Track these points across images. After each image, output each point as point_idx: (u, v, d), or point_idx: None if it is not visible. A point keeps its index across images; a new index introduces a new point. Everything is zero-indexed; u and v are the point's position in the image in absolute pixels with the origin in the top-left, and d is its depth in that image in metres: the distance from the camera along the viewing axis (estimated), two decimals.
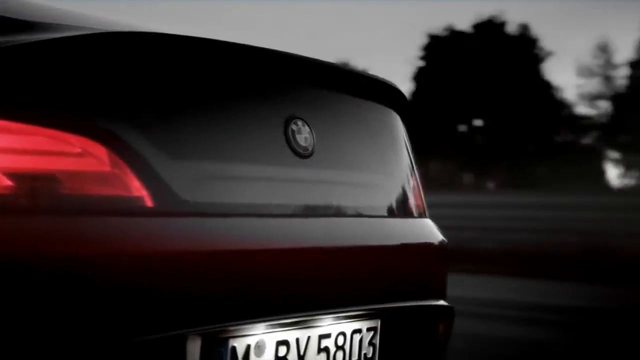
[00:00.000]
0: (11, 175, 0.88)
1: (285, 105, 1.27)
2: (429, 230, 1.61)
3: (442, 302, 1.55)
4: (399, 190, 1.55)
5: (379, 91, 1.54)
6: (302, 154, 1.25)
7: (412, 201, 1.58)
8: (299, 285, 1.18)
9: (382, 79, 1.54)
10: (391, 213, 1.50)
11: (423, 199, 1.66)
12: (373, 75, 1.53)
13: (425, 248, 1.57)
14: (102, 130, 0.98)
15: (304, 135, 1.25)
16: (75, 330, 0.89)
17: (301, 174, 1.27)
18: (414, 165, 1.65)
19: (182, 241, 1.02)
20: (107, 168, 0.97)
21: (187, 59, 1.15)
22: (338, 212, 1.33)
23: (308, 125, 1.27)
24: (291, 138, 1.23)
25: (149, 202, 1.00)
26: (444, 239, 1.64)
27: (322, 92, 1.39)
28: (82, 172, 0.95)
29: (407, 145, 1.65)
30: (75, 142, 0.95)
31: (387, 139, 1.56)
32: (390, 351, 1.41)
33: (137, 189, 1.00)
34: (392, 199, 1.53)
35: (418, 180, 1.65)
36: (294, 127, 1.24)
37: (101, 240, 0.93)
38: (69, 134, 0.95)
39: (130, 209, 0.99)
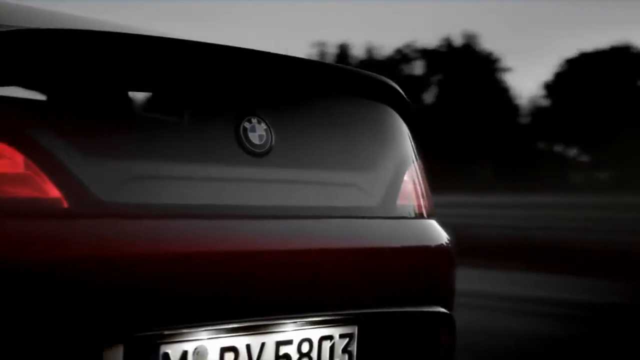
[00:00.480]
0: None
1: (240, 102, 1.20)
2: (423, 232, 1.47)
3: (437, 309, 1.41)
4: (382, 189, 1.40)
5: (366, 87, 1.44)
6: (256, 152, 1.17)
7: (402, 200, 1.44)
8: (240, 289, 1.10)
9: (368, 73, 1.45)
10: (369, 212, 1.36)
11: (424, 198, 1.51)
12: (359, 70, 1.47)
13: (415, 250, 1.42)
14: (15, 132, 0.94)
15: (258, 133, 1.18)
16: None
17: (254, 173, 1.19)
18: (414, 163, 1.51)
19: (99, 243, 0.97)
20: (20, 170, 0.94)
21: (111, 55, 1.09)
22: (294, 212, 1.24)
23: (265, 123, 1.19)
24: (242, 136, 1.16)
25: (64, 204, 0.96)
26: (446, 242, 1.49)
27: (290, 90, 1.33)
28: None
29: (403, 141, 1.51)
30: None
31: (372, 135, 1.45)
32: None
33: (53, 190, 0.96)
34: (372, 198, 1.38)
35: (419, 178, 1.50)
36: (246, 124, 1.16)
37: (13, 242, 0.90)
38: None
39: (45, 210, 0.96)
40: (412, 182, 1.47)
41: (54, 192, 0.95)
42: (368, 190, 1.38)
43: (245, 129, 1.16)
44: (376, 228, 1.37)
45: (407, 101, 1.51)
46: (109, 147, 1.03)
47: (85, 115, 1.04)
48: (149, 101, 1.16)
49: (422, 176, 1.52)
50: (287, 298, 1.16)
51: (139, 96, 1.15)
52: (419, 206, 1.49)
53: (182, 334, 1.02)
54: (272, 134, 1.20)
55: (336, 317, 1.24)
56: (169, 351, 1.01)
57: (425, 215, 1.51)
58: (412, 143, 1.53)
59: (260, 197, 1.20)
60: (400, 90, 1.46)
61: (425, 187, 1.53)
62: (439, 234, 1.49)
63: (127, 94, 1.13)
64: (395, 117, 1.48)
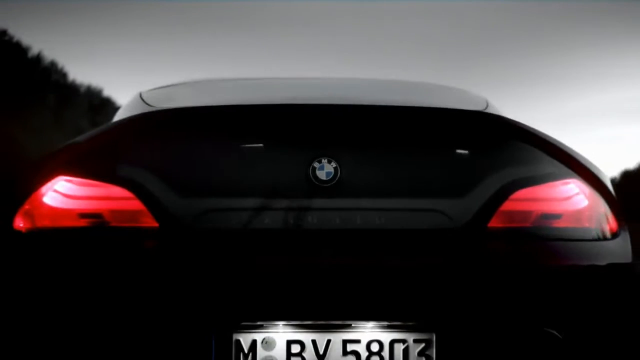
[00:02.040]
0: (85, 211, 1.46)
1: (312, 146, 1.50)
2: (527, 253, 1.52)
3: (547, 329, 1.44)
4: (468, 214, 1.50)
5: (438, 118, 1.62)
6: (322, 187, 1.45)
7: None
8: (313, 290, 1.38)
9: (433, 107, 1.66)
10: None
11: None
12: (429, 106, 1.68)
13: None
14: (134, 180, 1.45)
15: (326, 170, 1.44)
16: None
17: (323, 204, 1.46)
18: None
19: (182, 256, 1.43)
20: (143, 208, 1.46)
21: (218, 124, 1.58)
22: (363, 225, 1.46)
23: (335, 162, 1.45)
24: (310, 173, 1.45)
25: (160, 230, 1.44)
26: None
27: (351, 131, 1.57)
28: (129, 210, 1.45)
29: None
30: (117, 192, 1.44)
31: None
32: None
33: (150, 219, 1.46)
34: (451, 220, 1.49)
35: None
36: (315, 164, 1.44)
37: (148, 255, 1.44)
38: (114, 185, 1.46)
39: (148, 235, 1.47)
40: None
41: (154, 223, 1.43)
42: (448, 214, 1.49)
43: (313, 170, 1.44)
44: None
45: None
46: (206, 187, 1.49)
47: (185, 169, 1.49)
48: (240, 152, 1.53)
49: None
50: (351, 302, 1.37)
51: (233, 148, 1.54)
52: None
53: (256, 328, 1.37)
54: (339, 172, 1.45)
55: (404, 324, 1.40)
56: (251, 340, 1.37)
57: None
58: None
59: (324, 219, 1.45)
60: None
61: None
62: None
63: (222, 151, 1.53)
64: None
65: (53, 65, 34.25)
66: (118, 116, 2.07)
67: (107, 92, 47.76)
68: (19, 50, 32.46)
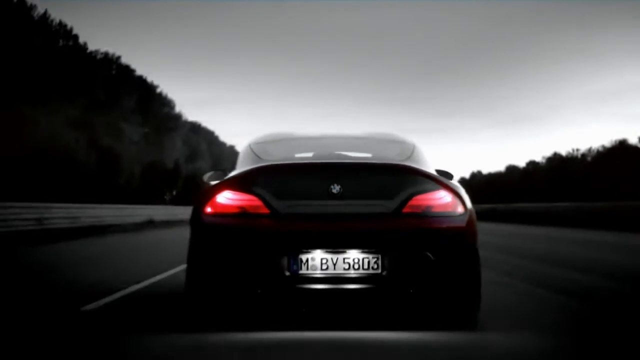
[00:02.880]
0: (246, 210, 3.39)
1: (330, 180, 3.40)
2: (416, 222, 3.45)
3: (427, 255, 3.27)
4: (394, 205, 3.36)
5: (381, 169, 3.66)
6: (335, 195, 3.36)
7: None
8: (329, 233, 3.28)
9: (382, 163, 3.62)
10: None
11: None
12: (376, 162, 3.75)
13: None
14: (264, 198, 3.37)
15: (334, 190, 3.34)
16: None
17: (335, 198, 3.35)
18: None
19: (292, 226, 3.31)
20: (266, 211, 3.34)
21: (299, 171, 3.57)
22: (349, 214, 3.33)
23: (341, 186, 3.35)
24: (329, 191, 3.35)
25: (269, 213, 3.33)
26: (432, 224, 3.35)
27: (350, 172, 3.55)
28: (254, 206, 3.33)
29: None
30: (250, 197, 3.32)
31: (386, 185, 3.47)
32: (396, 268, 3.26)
33: (264, 209, 3.38)
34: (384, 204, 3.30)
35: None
36: (332, 187, 3.34)
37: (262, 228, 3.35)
38: (253, 197, 3.37)
39: (261, 215, 3.38)
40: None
41: (267, 211, 3.31)
42: (382, 205, 3.33)
43: (331, 189, 3.34)
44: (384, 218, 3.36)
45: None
46: (285, 199, 3.37)
47: (279, 187, 3.41)
48: (302, 181, 3.47)
49: None
50: (345, 239, 3.25)
51: (299, 179, 3.50)
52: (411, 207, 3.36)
53: (305, 250, 3.25)
54: (343, 187, 3.34)
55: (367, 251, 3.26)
56: (304, 257, 3.24)
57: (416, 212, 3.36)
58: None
59: (336, 208, 3.33)
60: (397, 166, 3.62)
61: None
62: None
63: (294, 180, 3.48)
64: (392, 174, 3.49)
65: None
66: (239, 162, 3.88)
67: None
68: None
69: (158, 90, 50.87)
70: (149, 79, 49.04)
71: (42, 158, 24.97)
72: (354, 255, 3.24)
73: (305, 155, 3.92)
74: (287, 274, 3.22)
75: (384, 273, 3.24)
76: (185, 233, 3.93)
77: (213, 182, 3.57)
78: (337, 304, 3.42)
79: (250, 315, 3.56)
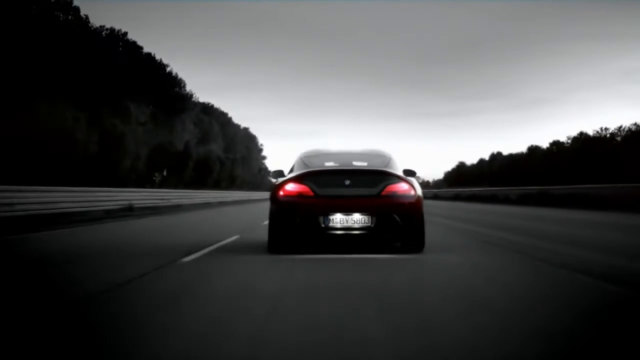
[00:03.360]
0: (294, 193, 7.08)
1: (346, 178, 7.10)
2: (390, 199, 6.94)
3: (394, 216, 6.81)
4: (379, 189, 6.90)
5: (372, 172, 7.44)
6: (347, 185, 6.92)
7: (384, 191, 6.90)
8: (344, 205, 6.74)
9: (373, 169, 7.24)
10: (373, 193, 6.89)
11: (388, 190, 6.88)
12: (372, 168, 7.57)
13: (392, 195, 6.93)
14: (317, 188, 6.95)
15: (347, 182, 6.91)
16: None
17: (347, 187, 6.90)
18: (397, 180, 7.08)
19: (318, 203, 6.79)
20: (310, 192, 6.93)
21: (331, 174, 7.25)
22: (355, 194, 6.88)
23: (350, 180, 6.93)
24: (345, 182, 6.91)
25: (314, 195, 6.84)
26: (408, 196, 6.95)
27: (358, 172, 7.59)
28: (306, 191, 6.88)
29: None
30: (303, 187, 6.85)
31: (375, 180, 7.11)
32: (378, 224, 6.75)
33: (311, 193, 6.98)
34: (375, 189, 6.86)
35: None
36: (346, 181, 6.92)
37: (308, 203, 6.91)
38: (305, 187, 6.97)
39: (312, 196, 6.97)
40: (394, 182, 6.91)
41: (311, 194, 6.84)
42: (371, 190, 6.84)
43: (345, 182, 6.92)
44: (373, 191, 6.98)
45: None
46: (321, 187, 6.93)
47: (318, 182, 6.99)
48: (329, 179, 7.07)
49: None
50: (352, 207, 6.74)
51: (328, 178, 7.18)
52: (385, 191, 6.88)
53: (331, 213, 6.76)
54: (351, 181, 6.91)
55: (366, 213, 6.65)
56: (330, 217, 6.72)
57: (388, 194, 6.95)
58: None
59: (347, 192, 6.86)
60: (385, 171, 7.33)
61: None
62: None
63: (325, 178, 7.12)
64: (383, 175, 7.05)
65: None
66: (295, 168, 7.41)
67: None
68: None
69: (168, 69, 49.08)
70: (158, 56, 47.31)
71: (36, 138, 23.32)
72: (356, 216, 6.76)
73: (331, 164, 7.37)
74: (322, 226, 6.73)
75: (372, 225, 6.75)
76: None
77: (280, 178, 7.24)
78: (347, 241, 6.89)
79: (303, 247, 7.35)
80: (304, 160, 7.44)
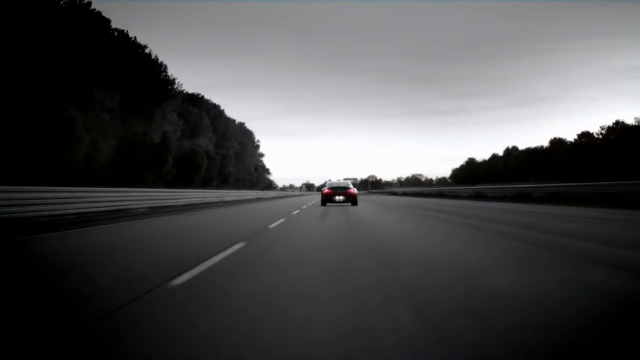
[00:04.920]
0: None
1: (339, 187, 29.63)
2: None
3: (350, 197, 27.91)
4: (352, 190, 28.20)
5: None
6: (339, 190, 28.55)
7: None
8: (338, 194, 27.93)
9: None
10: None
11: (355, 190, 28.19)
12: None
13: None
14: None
15: (339, 189, 28.52)
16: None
17: (339, 190, 28.50)
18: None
19: (334, 193, 28.18)
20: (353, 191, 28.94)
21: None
22: (341, 190, 28.59)
23: (341, 192, 28.27)
24: (339, 189, 28.66)
25: (332, 191, 28.45)
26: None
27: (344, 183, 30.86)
28: (330, 193, 28.26)
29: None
30: (328, 190, 28.31)
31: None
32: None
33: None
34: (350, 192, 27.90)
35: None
36: (338, 189, 28.51)
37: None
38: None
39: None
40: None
41: (330, 191, 28.61)
42: (345, 190, 28.51)
43: (338, 188, 28.72)
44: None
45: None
46: (333, 190, 28.82)
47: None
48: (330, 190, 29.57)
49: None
50: (340, 194, 28.01)
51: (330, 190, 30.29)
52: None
53: (335, 196, 27.98)
54: (340, 189, 28.49)
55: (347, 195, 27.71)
56: (335, 197, 27.90)
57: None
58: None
59: (339, 191, 28.54)
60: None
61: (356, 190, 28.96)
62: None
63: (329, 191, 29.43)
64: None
65: None
66: (327, 185, 29.70)
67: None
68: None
69: (147, 50, 42.67)
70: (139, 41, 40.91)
71: None
72: (341, 197, 27.20)
73: (335, 184, 29.07)
74: (333, 199, 27.10)
75: (344, 199, 27.11)
76: None
77: (324, 188, 28.59)
78: (339, 203, 27.21)
79: (329, 204, 27.59)
80: (328, 183, 29.58)
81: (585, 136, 54.42)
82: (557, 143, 61.55)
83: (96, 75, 33.25)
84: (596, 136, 52.59)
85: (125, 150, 34.53)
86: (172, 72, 45.93)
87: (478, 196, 43.43)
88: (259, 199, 53.84)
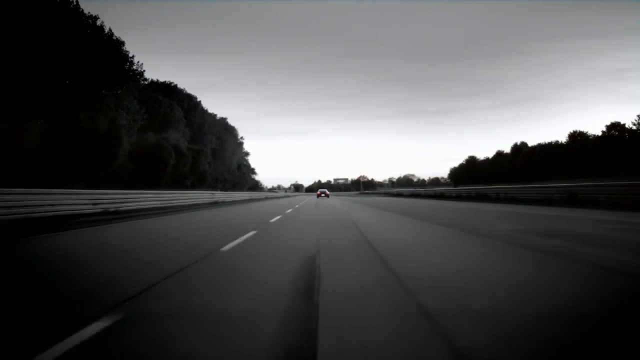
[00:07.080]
0: None
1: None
2: None
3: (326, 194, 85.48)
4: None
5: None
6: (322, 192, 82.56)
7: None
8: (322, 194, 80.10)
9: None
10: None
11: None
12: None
13: None
14: None
15: (322, 192, 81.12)
16: None
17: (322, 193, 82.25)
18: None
19: (320, 193, 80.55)
20: None
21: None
22: (322, 192, 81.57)
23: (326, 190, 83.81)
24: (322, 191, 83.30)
25: (320, 193, 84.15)
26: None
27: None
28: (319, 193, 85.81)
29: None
30: (318, 192, 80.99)
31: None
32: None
33: None
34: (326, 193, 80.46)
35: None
36: (321, 189, 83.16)
37: None
38: None
39: None
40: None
41: (319, 192, 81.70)
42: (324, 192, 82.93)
43: (321, 190, 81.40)
44: None
45: None
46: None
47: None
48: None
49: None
50: (322, 194, 78.95)
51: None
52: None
53: (320, 194, 79.10)
54: (322, 193, 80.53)
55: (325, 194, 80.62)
56: (322, 195, 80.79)
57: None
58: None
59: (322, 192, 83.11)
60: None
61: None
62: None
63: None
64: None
65: None
66: (317, 188, 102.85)
67: None
68: None
69: (98, 22, 34.94)
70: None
71: None
72: (323, 195, 74.58)
73: (321, 190, 79.47)
74: (321, 195, 74.13)
75: (324, 196, 73.32)
76: None
77: (319, 190, 79.08)
78: (323, 198, 65.82)
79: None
80: (319, 190, 78.97)
81: (614, 127, 47.26)
82: (577, 137, 54.51)
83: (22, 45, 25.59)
84: (629, 127, 45.51)
85: (59, 142, 26.90)
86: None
87: (497, 199, 36.08)
88: (215, 204, 39.96)
